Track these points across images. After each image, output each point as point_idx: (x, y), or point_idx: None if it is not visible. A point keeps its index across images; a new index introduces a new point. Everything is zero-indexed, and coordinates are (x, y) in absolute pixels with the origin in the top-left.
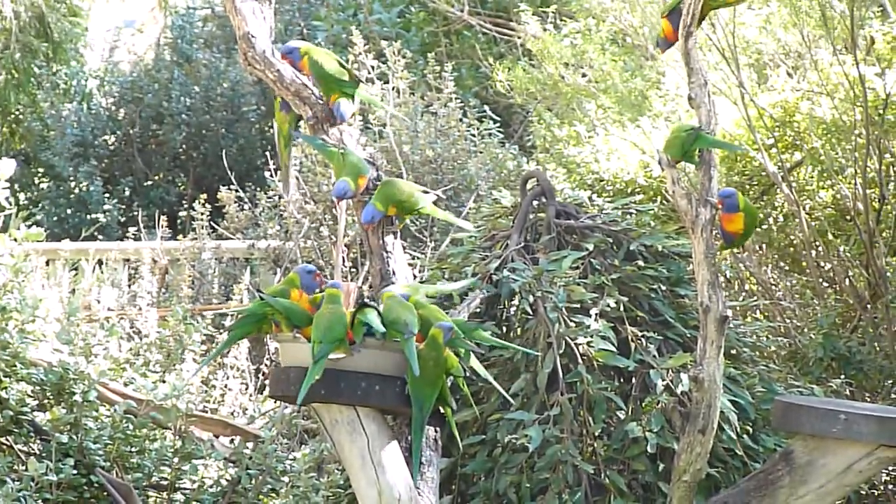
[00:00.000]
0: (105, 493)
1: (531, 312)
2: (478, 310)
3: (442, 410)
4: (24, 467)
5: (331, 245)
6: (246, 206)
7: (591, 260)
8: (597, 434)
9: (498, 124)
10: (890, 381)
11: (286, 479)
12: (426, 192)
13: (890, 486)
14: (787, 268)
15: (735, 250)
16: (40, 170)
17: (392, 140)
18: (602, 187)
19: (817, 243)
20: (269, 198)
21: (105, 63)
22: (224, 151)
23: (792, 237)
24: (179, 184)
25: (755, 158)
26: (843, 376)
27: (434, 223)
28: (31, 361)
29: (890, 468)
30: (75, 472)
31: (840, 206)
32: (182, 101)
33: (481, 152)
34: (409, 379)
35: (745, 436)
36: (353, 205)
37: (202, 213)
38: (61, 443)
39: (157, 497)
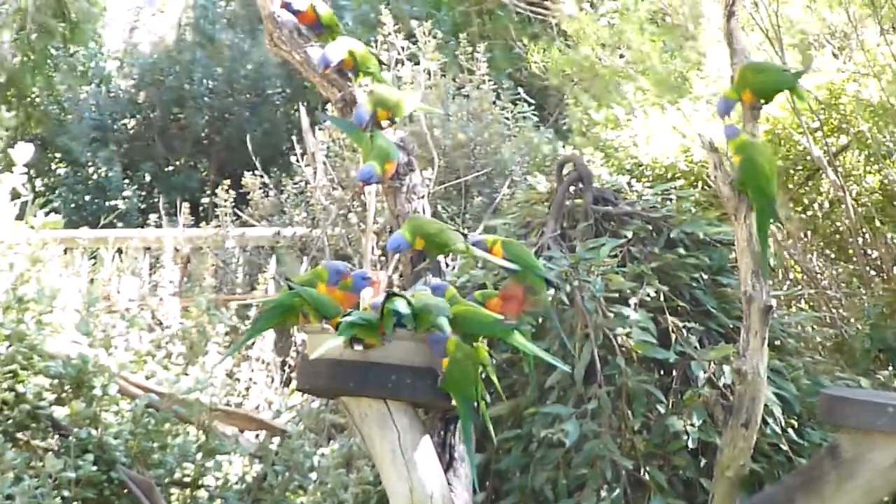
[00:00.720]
0: (126, 491)
1: (568, 302)
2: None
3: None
4: (41, 463)
5: (359, 233)
6: (271, 193)
7: (630, 248)
8: (636, 428)
9: (532, 107)
10: None
11: (314, 475)
12: (457, 231)
13: None
14: (832, 256)
15: (780, 239)
16: (57, 155)
17: (423, 123)
18: (641, 172)
19: (864, 230)
20: (296, 184)
21: (124, 44)
22: (248, 135)
23: (838, 224)
24: (202, 169)
25: (799, 142)
26: (890, 368)
27: (466, 211)
28: (49, 354)
29: None
30: (95, 468)
31: (888, 192)
32: (204, 84)
33: (515, 136)
34: (447, 377)
35: (789, 430)
36: (382, 190)
37: (225, 200)
38: (80, 438)
39: (179, 494)
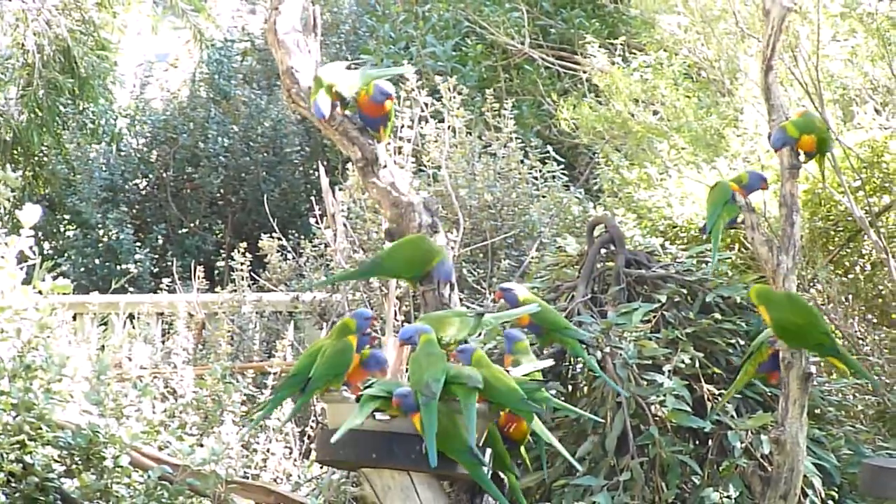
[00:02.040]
0: None
1: (599, 369)
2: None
3: (502, 476)
4: None
5: (382, 297)
6: (289, 256)
7: (664, 312)
8: (670, 501)
9: (562, 166)
10: None
11: None
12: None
13: None
14: (874, 320)
15: (820, 303)
16: (66, 216)
17: (448, 183)
18: (675, 234)
19: None
20: (315, 246)
21: (136, 100)
22: (265, 196)
23: (880, 287)
24: (217, 231)
25: (840, 202)
26: None
27: (493, 274)
28: (58, 424)
29: None
30: None
31: None
32: (219, 142)
33: (544, 196)
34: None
35: (830, 502)
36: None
37: (242, 263)
38: None
39: None
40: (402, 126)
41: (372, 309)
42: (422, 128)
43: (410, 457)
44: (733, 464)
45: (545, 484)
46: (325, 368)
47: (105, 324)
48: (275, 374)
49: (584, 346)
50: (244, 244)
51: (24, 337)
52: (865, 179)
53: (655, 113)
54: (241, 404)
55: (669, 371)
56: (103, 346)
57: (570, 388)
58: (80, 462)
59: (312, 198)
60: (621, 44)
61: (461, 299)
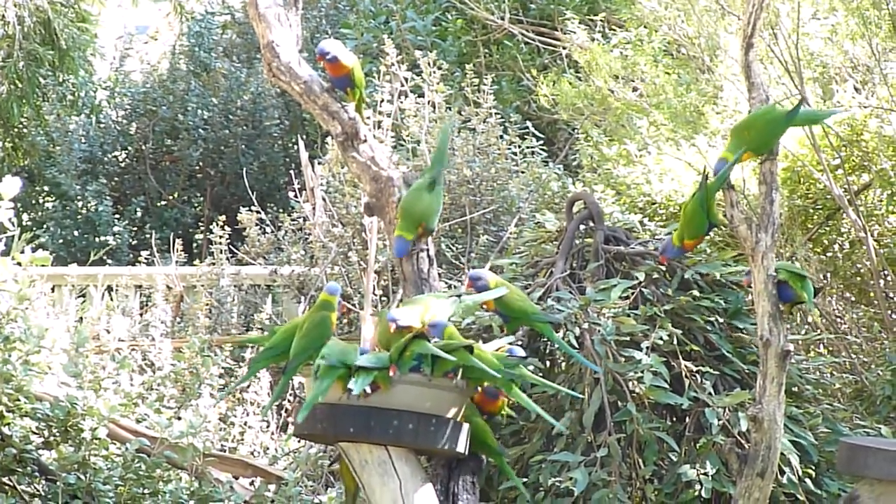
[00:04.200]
0: None
1: (577, 346)
2: (519, 343)
3: (481, 453)
4: None
5: (360, 272)
6: (268, 229)
7: (643, 289)
8: (647, 477)
9: (541, 142)
10: None
11: None
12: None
13: None
14: (853, 299)
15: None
16: (45, 188)
17: (427, 158)
18: (654, 210)
19: (886, 272)
20: (294, 220)
21: (116, 73)
22: (244, 169)
23: (859, 266)
24: (196, 204)
25: (819, 180)
26: None
27: (472, 250)
28: (36, 395)
29: None
30: None
31: None
32: (199, 115)
33: (523, 172)
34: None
35: (807, 479)
36: (384, 228)
37: (220, 237)
38: (68, 483)
39: None
40: (382, 101)
41: (351, 283)
42: (401, 102)
43: (388, 431)
44: (710, 441)
45: (523, 459)
46: (304, 342)
47: (83, 296)
48: (252, 347)
49: (554, 323)
50: (223, 217)
51: (2, 308)
52: (844, 158)
53: (635, 90)
54: (218, 377)
55: (647, 348)
56: (81, 318)
57: (547, 363)
58: (57, 434)
59: (292, 171)
60: (601, 20)
61: (440, 274)
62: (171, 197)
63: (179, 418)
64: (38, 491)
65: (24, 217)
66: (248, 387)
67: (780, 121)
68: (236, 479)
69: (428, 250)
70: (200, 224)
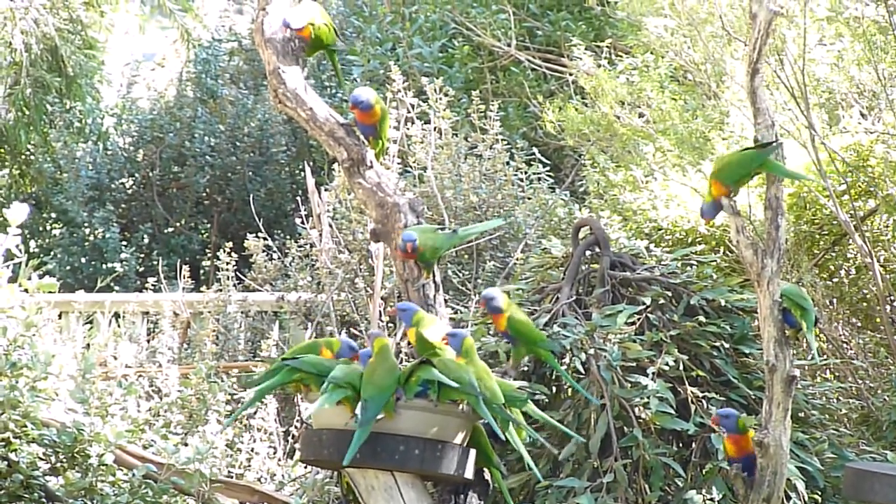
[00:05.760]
0: None
1: (583, 371)
2: (525, 368)
3: (488, 475)
4: None
5: (367, 298)
6: (275, 256)
7: (649, 315)
8: (653, 503)
9: (548, 168)
10: None
11: None
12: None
13: None
14: (859, 324)
15: None
16: (52, 215)
17: (433, 184)
18: (660, 236)
19: (892, 298)
20: (300, 246)
21: (123, 100)
22: (251, 196)
23: (865, 291)
24: (203, 231)
25: (825, 206)
26: None
27: (478, 276)
28: (43, 422)
29: None
30: None
31: None
32: (206, 142)
33: (530, 198)
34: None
35: None
36: (390, 253)
37: (227, 263)
38: None
39: None
40: (389, 127)
41: (357, 310)
42: (408, 129)
43: (394, 457)
44: (716, 466)
45: (529, 485)
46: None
47: (90, 322)
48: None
49: (558, 353)
50: (230, 244)
51: (9, 335)
52: (851, 183)
53: (641, 115)
54: (225, 404)
55: (653, 373)
56: (88, 345)
57: (553, 389)
58: (64, 460)
59: (298, 198)
60: (608, 46)
61: (446, 300)
62: (178, 224)
63: (186, 444)
64: None
65: (32, 244)
66: (255, 413)
67: (753, 158)
68: None
69: (434, 277)
70: (207, 250)
